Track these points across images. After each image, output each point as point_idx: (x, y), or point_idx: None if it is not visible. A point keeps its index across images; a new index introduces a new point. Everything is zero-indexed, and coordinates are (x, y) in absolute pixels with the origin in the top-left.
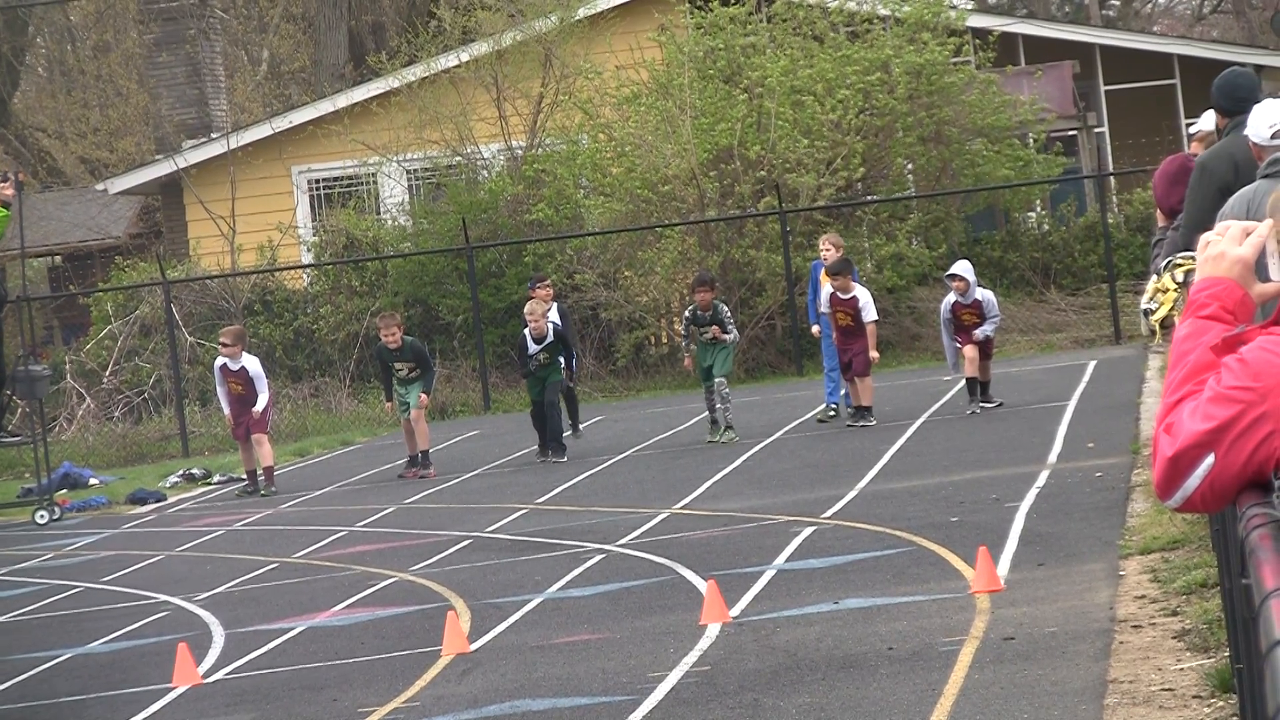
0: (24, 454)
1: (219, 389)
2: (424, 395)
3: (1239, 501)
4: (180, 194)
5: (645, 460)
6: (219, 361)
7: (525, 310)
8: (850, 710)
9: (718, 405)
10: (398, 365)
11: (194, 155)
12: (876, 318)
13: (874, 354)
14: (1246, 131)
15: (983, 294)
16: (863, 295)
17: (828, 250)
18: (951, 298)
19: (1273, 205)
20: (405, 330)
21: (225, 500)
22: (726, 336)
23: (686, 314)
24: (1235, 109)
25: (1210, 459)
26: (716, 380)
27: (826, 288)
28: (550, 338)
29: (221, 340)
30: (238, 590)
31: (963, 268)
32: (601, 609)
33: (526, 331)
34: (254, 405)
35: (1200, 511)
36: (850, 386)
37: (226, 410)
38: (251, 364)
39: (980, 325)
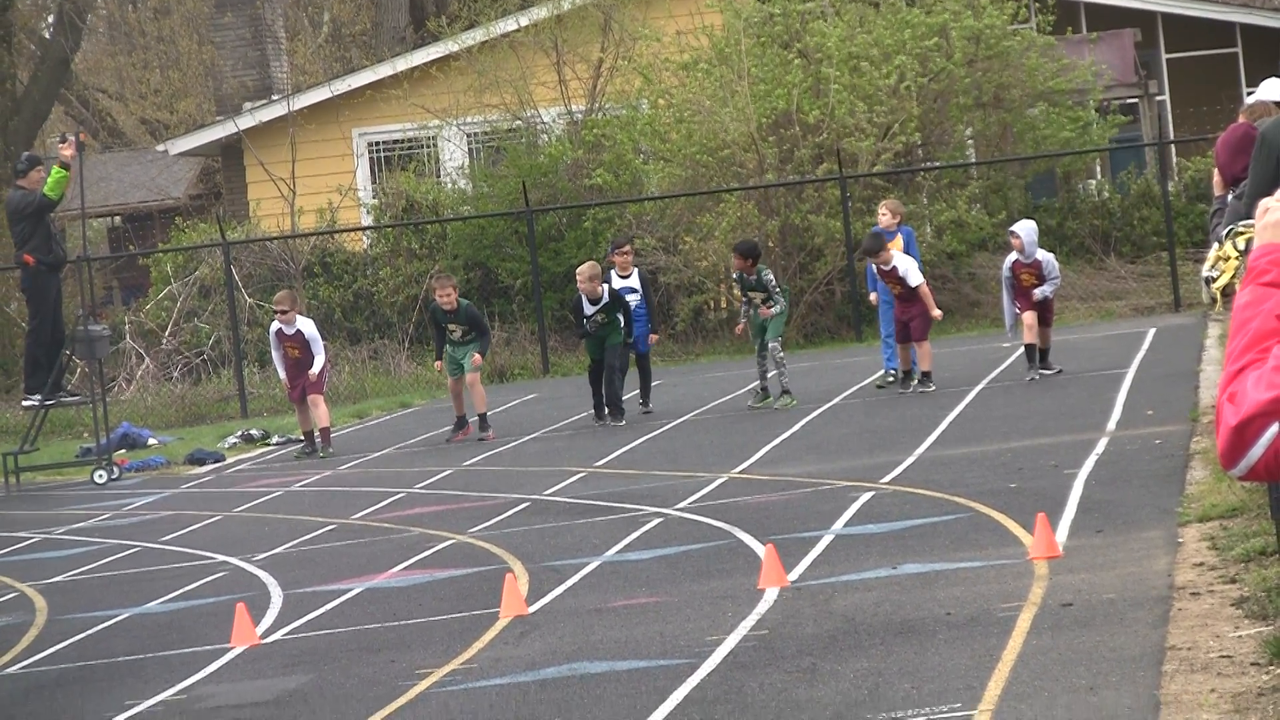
0: (83, 414)
1: (274, 354)
2: (478, 355)
3: None
4: (240, 156)
5: (704, 424)
6: (274, 327)
7: (577, 273)
8: (908, 675)
9: (771, 370)
10: (451, 327)
11: (254, 117)
12: (922, 280)
13: (936, 313)
14: None
15: (1043, 255)
16: (902, 263)
17: (884, 216)
18: (1012, 256)
19: None
20: (463, 294)
21: (284, 461)
22: (771, 311)
23: (734, 276)
24: None
25: (1275, 428)
26: (770, 344)
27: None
28: (606, 299)
29: (280, 308)
30: (296, 551)
31: (1021, 227)
32: (659, 573)
33: (581, 293)
34: (311, 368)
35: (1264, 480)
36: (904, 351)
37: (283, 374)
38: (307, 326)
39: (1039, 287)
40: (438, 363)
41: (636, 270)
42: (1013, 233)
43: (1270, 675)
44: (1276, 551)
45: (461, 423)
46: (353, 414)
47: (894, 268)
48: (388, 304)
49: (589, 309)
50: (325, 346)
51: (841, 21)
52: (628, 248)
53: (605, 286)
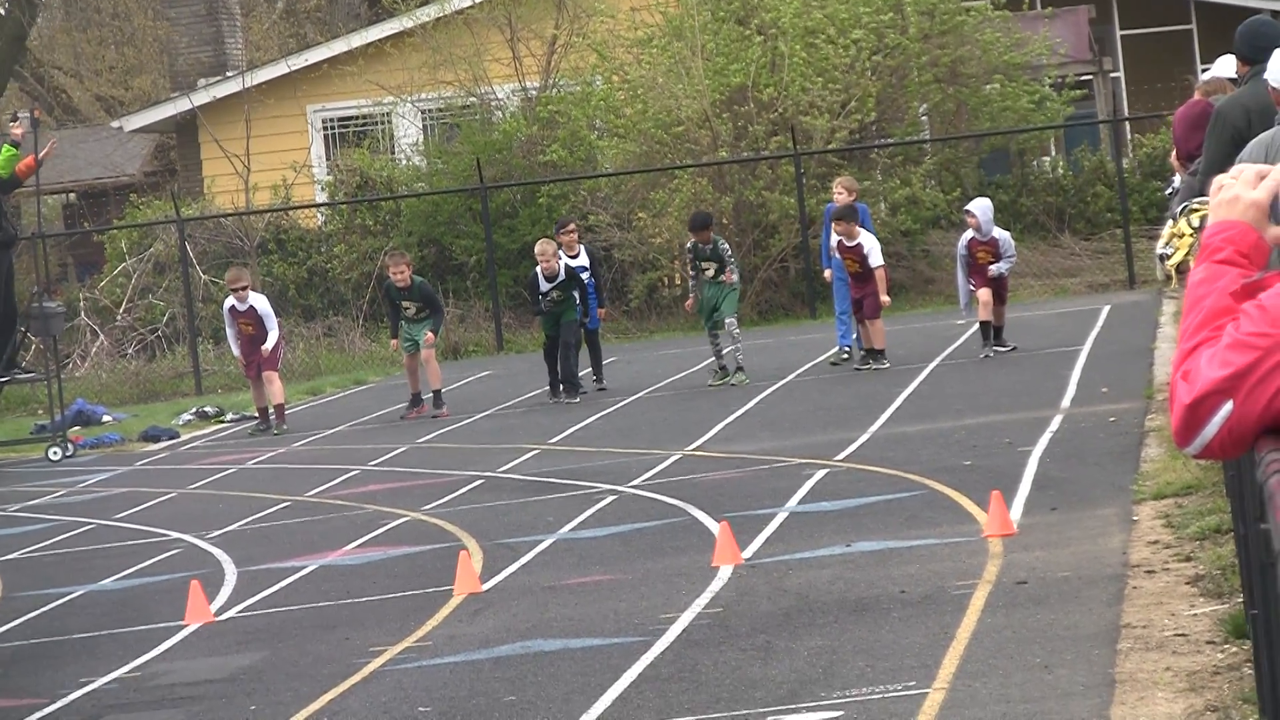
0: (38, 390)
1: (229, 330)
2: (431, 334)
3: (1257, 447)
4: (195, 132)
5: (658, 402)
6: (228, 304)
7: (536, 250)
8: (862, 653)
9: (727, 347)
10: (405, 304)
11: (209, 93)
12: (882, 263)
13: (885, 298)
14: (1266, 76)
15: (1000, 234)
16: (868, 241)
17: (840, 194)
18: (968, 234)
19: None
20: (417, 270)
21: (238, 438)
22: (733, 277)
23: (688, 246)
24: (1256, 57)
25: (1229, 406)
26: (726, 320)
27: (836, 236)
28: (562, 276)
29: (237, 286)
30: (250, 528)
31: (976, 205)
32: (614, 550)
33: (539, 269)
34: (264, 343)
35: (1219, 458)
36: (861, 329)
37: (237, 351)
38: (260, 302)
39: (995, 264)
40: (393, 341)
41: (583, 247)
42: (968, 212)
43: (1225, 653)
44: (1231, 529)
45: (416, 400)
46: (307, 391)
47: (858, 244)
48: (342, 280)
49: (545, 286)
50: (279, 323)
51: None
52: (571, 226)
53: (563, 264)
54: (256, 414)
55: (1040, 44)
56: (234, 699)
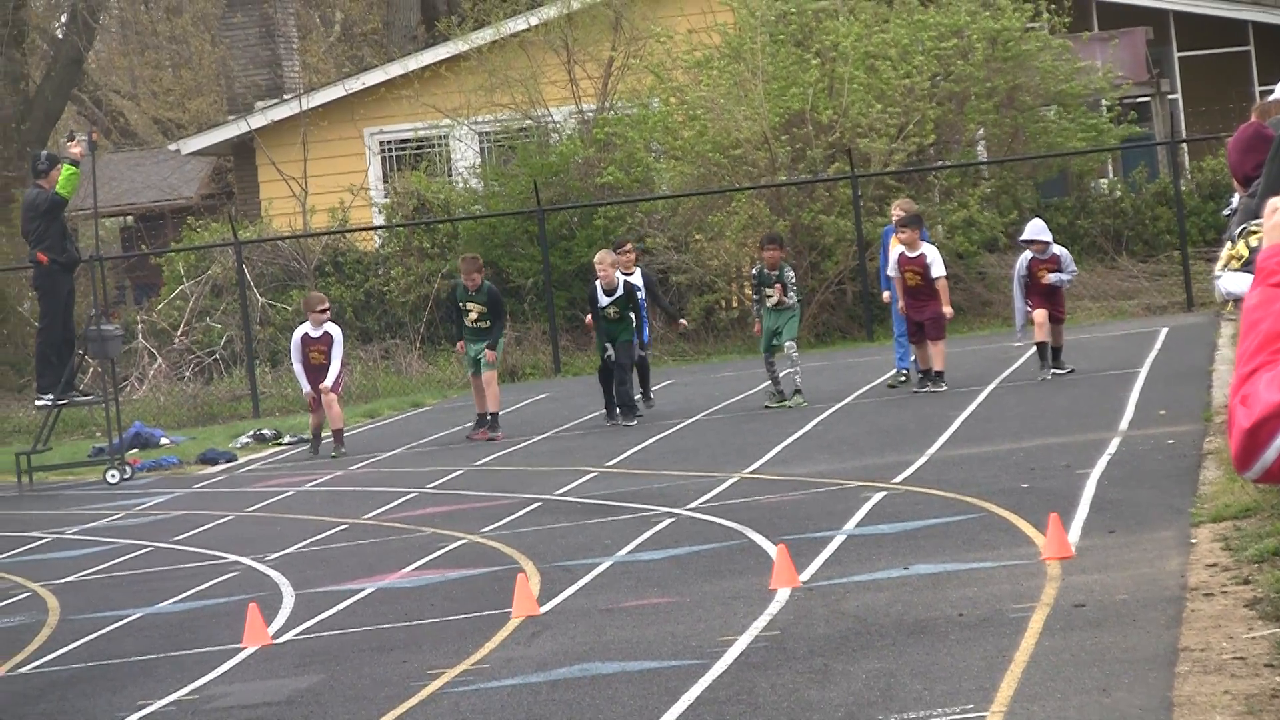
0: (95, 413)
1: (296, 363)
2: (490, 351)
3: None
4: (252, 155)
5: (715, 424)
6: (300, 332)
7: (595, 259)
8: (920, 676)
9: (784, 370)
10: (470, 306)
11: (266, 116)
12: (945, 273)
13: (947, 310)
14: None
15: (1059, 250)
16: (930, 252)
17: (899, 215)
18: (1027, 255)
19: None
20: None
21: (295, 461)
22: (787, 299)
23: (754, 270)
24: None
25: None
26: (786, 343)
27: (896, 249)
28: (620, 291)
29: (323, 307)
30: (307, 551)
31: (1035, 229)
32: (671, 573)
33: (598, 282)
34: (327, 376)
35: (1279, 483)
36: (920, 351)
37: (307, 386)
38: (335, 331)
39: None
40: (459, 344)
41: (639, 269)
42: (1032, 241)
43: None
44: None
45: (482, 420)
46: (364, 413)
47: (920, 255)
48: (399, 303)
49: (603, 300)
50: (344, 354)
51: (857, 20)
52: (628, 247)
53: (621, 278)
54: (310, 438)
55: (1101, 79)
56: None
